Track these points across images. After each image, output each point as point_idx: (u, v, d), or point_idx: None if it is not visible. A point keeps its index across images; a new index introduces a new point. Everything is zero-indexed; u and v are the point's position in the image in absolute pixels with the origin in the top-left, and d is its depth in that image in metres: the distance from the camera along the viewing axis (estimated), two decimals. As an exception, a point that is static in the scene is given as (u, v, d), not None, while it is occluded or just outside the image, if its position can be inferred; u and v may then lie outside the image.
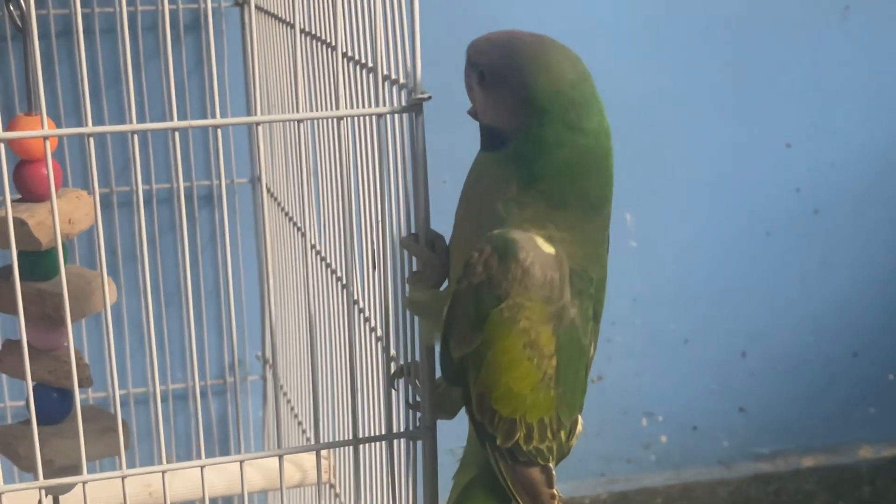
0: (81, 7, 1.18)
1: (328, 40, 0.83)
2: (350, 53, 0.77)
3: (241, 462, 0.71)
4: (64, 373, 0.79)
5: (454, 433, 0.80)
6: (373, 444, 0.79)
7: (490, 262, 0.67)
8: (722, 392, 1.52)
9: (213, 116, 1.24)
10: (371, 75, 0.74)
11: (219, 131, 0.67)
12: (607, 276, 0.72)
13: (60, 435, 0.78)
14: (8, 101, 1.20)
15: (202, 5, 1.22)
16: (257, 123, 0.67)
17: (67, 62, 1.21)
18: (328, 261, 0.91)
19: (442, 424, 0.76)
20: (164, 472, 0.70)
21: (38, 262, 0.78)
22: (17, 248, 0.69)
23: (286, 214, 1.09)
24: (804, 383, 1.54)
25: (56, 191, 0.68)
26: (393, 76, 0.72)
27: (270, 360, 1.29)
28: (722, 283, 1.49)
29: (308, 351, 1.03)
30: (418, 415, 0.76)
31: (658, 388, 1.50)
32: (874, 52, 1.46)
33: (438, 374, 0.75)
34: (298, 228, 1.04)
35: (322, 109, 0.85)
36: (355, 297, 0.81)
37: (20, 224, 0.74)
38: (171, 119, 1.21)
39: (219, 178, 1.26)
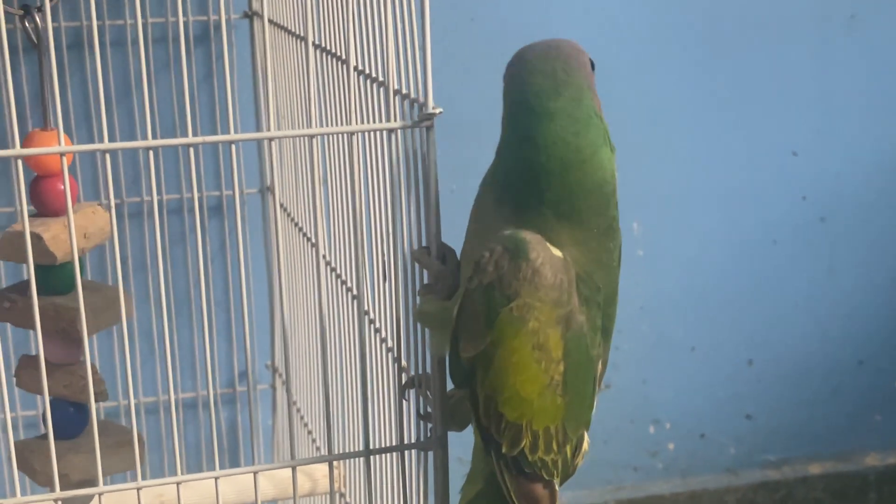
0: (89, 19, 1.20)
1: (339, 54, 0.84)
2: (360, 67, 0.78)
3: (255, 473, 0.72)
4: (79, 387, 0.80)
5: (462, 441, 0.80)
6: (384, 455, 0.79)
7: (501, 261, 0.67)
8: (729, 399, 1.52)
9: (225, 129, 1.25)
10: (382, 89, 0.74)
11: (232, 147, 0.67)
12: (618, 291, 0.73)
13: (76, 450, 0.79)
14: (19, 113, 1.21)
15: (211, 17, 1.23)
16: (270, 139, 0.68)
17: (78, 74, 1.22)
18: (338, 271, 0.92)
19: (451, 433, 0.77)
20: (178, 484, 0.71)
21: (53, 277, 0.78)
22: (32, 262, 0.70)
23: (296, 224, 1.10)
24: (811, 390, 1.55)
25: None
26: (404, 90, 0.72)
27: (280, 370, 1.30)
28: (728, 291, 1.49)
29: (318, 362, 1.04)
30: (429, 425, 0.77)
31: (665, 396, 1.50)
32: (880, 61, 1.46)
33: (449, 386, 0.75)
34: (308, 238, 1.04)
35: (333, 123, 0.86)
36: (366, 309, 0.81)
37: (36, 239, 0.74)
38: (185, 133, 1.23)
39: (230, 189, 1.28)
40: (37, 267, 0.74)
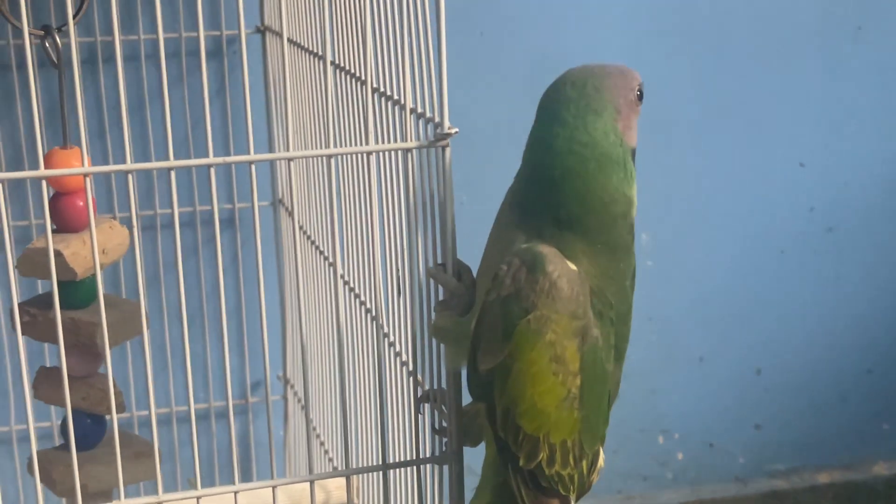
0: (102, 35, 1.21)
1: (353, 70, 0.85)
2: (375, 85, 0.79)
3: (274, 488, 0.73)
4: (97, 399, 0.81)
5: (472, 451, 0.81)
6: (400, 469, 0.80)
7: (519, 274, 0.68)
8: (737, 409, 1.53)
9: (238, 143, 1.26)
10: (397, 107, 0.75)
11: (252, 167, 0.68)
12: (631, 313, 0.74)
13: (94, 461, 0.80)
14: (34, 132, 1.22)
15: (224, 32, 1.24)
16: (290, 159, 0.69)
17: (92, 89, 1.23)
18: (352, 284, 0.93)
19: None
20: (198, 498, 0.72)
21: (73, 292, 0.80)
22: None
23: (307, 237, 1.10)
24: (819, 400, 1.55)
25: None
26: (419, 109, 0.73)
27: (291, 381, 1.30)
28: (737, 301, 1.50)
29: (332, 375, 1.05)
30: (443, 440, 0.78)
31: (674, 406, 1.51)
32: (887, 71, 1.47)
33: (464, 401, 0.76)
34: (320, 251, 1.05)
35: (348, 141, 0.86)
36: (379, 320, 0.82)
37: (56, 255, 0.76)
38: (198, 148, 1.24)
39: (242, 202, 1.28)
40: (57, 283, 0.75)
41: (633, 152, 0.71)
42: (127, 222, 1.24)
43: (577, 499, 0.72)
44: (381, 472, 0.76)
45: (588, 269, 0.69)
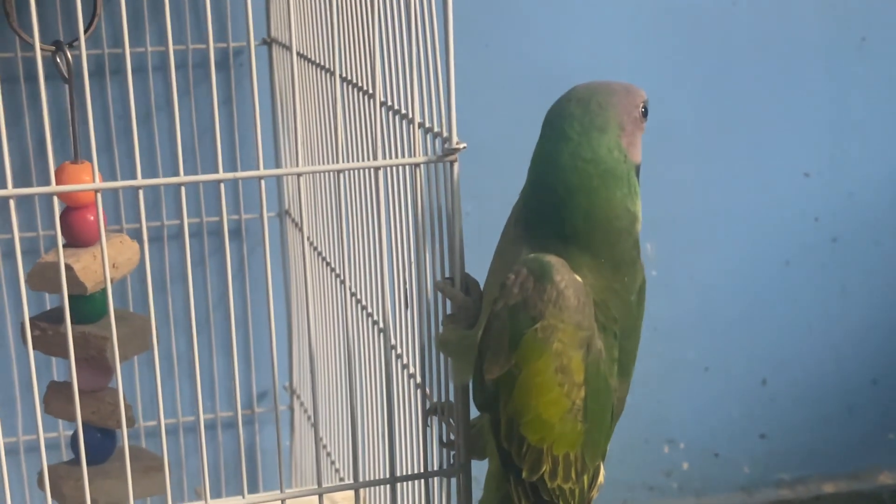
0: (109, 47, 1.21)
1: (361, 84, 0.85)
2: (383, 99, 0.79)
3: (283, 500, 0.73)
4: (107, 413, 0.81)
5: (477, 463, 0.81)
6: (408, 482, 0.80)
7: (526, 283, 0.68)
8: (743, 419, 1.53)
9: (245, 156, 1.26)
10: (405, 122, 0.76)
11: (262, 182, 0.69)
12: (639, 329, 0.74)
13: (104, 475, 0.80)
14: (43, 143, 1.22)
15: (231, 45, 1.25)
16: (299, 175, 0.69)
17: (99, 101, 1.23)
18: (359, 296, 0.93)
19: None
20: (208, 511, 0.72)
21: (82, 306, 0.80)
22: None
23: (316, 250, 1.11)
24: (824, 410, 1.55)
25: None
26: (427, 124, 0.74)
27: (297, 391, 1.31)
28: (742, 312, 1.50)
29: (340, 388, 1.05)
30: (451, 452, 0.78)
31: (679, 416, 1.51)
32: (891, 82, 1.48)
33: (472, 414, 0.76)
34: (329, 264, 1.05)
35: (357, 155, 0.87)
36: (387, 333, 0.82)
37: (67, 269, 0.76)
38: (205, 161, 1.24)
39: (248, 212, 1.29)
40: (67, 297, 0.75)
41: (638, 169, 0.71)
42: (134, 233, 1.24)
43: None
44: (389, 485, 0.77)
45: (593, 283, 0.70)
